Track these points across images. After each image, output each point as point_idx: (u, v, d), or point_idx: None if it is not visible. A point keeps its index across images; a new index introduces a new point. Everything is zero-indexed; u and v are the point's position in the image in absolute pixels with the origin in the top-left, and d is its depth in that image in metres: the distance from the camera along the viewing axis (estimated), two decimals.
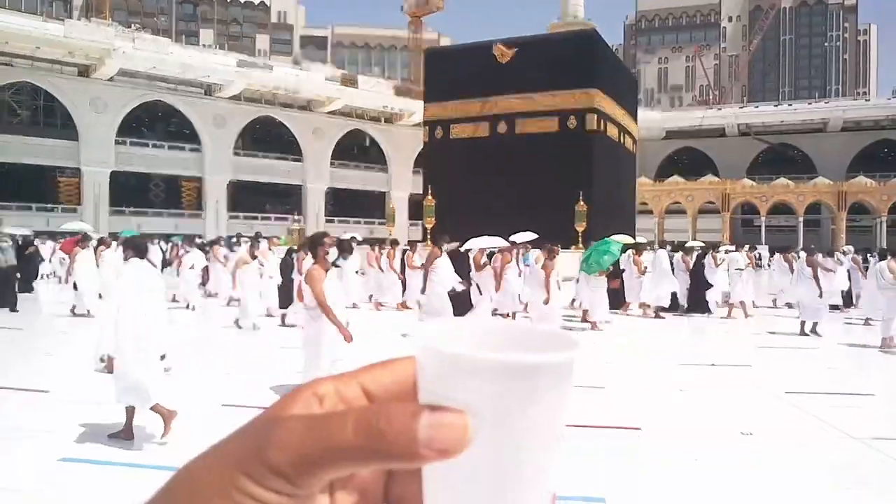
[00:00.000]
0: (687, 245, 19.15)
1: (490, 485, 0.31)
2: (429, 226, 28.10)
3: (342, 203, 55.70)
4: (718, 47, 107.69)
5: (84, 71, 43.37)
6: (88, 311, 13.05)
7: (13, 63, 41.21)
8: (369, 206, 56.40)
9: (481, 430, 0.30)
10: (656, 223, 52.89)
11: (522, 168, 26.51)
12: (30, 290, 18.05)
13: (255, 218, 51.32)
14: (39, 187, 43.27)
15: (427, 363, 0.32)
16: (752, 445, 5.56)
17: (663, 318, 14.49)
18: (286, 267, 13.01)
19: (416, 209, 42.65)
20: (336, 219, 54.24)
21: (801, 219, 51.68)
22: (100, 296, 13.99)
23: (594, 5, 56.08)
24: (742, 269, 15.35)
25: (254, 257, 12.44)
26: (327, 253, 6.17)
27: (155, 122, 48.40)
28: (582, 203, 25.80)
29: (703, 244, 21.16)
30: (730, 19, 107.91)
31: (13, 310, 13.82)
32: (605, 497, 4.34)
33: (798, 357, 10.26)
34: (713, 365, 9.24)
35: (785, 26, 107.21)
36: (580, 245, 23.00)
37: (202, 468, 0.32)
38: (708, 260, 15.70)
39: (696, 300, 15.23)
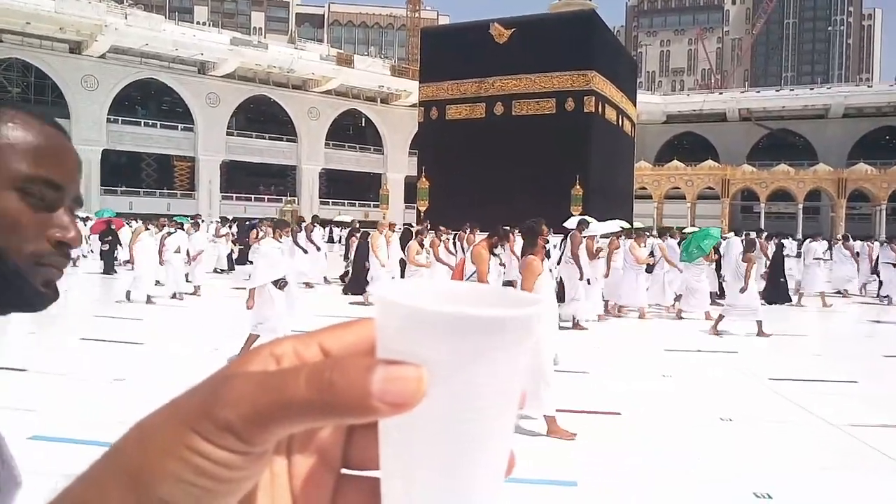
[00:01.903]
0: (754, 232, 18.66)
1: (445, 440, 0.31)
2: (422, 209, 27.73)
3: (336, 184, 55.27)
4: (721, 30, 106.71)
5: (75, 48, 42.78)
6: (149, 297, 12.22)
7: (3, 39, 40.64)
8: (364, 187, 55.95)
9: (437, 385, 0.30)
10: (655, 208, 52.49)
11: (518, 150, 26.07)
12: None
13: (249, 199, 50.93)
14: None
15: (384, 318, 0.31)
16: (730, 432, 5.55)
17: None
18: (363, 250, 13.79)
19: (411, 191, 42.17)
20: (330, 200, 53.85)
21: (800, 206, 51.31)
22: (157, 282, 13.60)
23: None
24: (821, 259, 15.15)
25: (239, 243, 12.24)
26: (546, 242, 5.78)
27: (147, 100, 47.87)
28: (578, 186, 25.41)
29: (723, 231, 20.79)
30: (733, 2, 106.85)
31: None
32: (577, 481, 4.30)
33: (786, 344, 10.14)
34: (699, 351, 9.11)
35: (789, 10, 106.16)
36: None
37: (153, 425, 0.31)
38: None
39: (775, 289, 14.85)
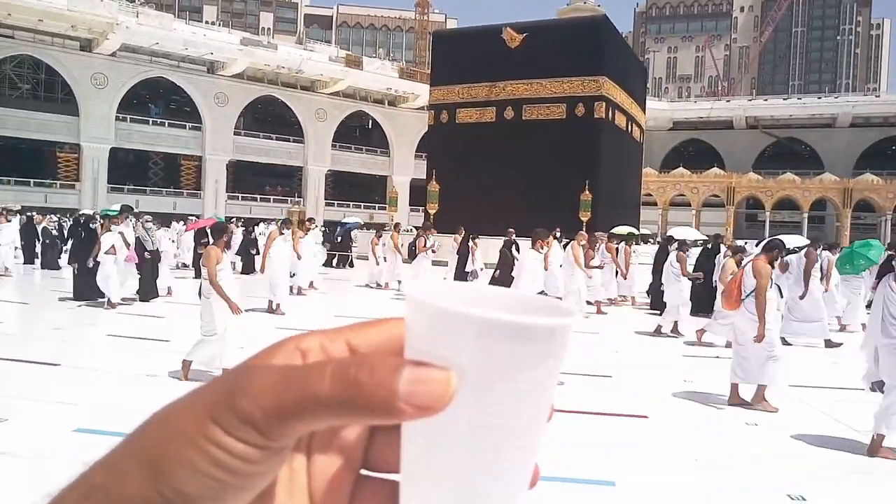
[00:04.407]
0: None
1: (469, 447, 0.30)
2: (432, 211, 27.78)
3: (342, 186, 55.36)
4: (729, 38, 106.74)
5: (86, 45, 42.93)
6: (278, 305, 11.26)
7: (15, 36, 40.77)
8: (369, 189, 56.05)
9: (465, 391, 0.29)
10: (660, 215, 52.55)
11: (528, 155, 26.14)
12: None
13: (255, 199, 51.04)
14: (38, 162, 42.95)
15: (414, 318, 0.31)
16: (757, 436, 5.62)
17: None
18: (507, 258, 13.00)
19: (417, 194, 42.22)
20: (336, 202, 53.94)
21: (805, 215, 51.33)
22: (291, 289, 12.86)
23: None
24: None
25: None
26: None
27: (156, 98, 48.02)
28: (587, 192, 25.43)
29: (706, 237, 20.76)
30: (742, 9, 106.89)
31: (144, 299, 11.75)
32: (616, 481, 4.37)
33: (801, 353, 10.13)
34: (717, 357, 9.11)
35: (797, 18, 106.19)
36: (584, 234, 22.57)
37: (175, 414, 0.30)
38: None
39: None
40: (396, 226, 17.83)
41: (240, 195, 50.25)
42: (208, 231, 16.97)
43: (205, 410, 0.29)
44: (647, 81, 45.35)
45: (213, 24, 60.83)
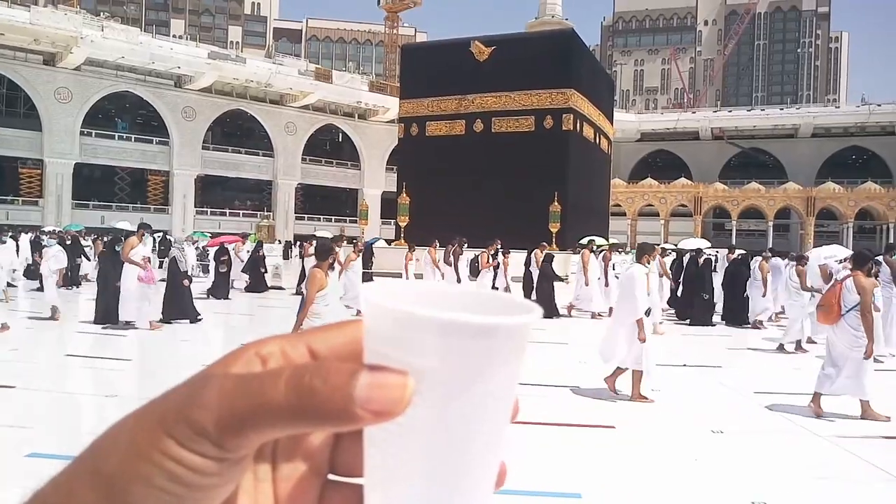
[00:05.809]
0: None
1: (430, 451, 0.29)
2: (402, 224, 27.71)
3: (313, 200, 55.02)
4: (694, 51, 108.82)
5: (50, 59, 42.22)
6: None
7: None
8: (340, 203, 55.80)
9: (425, 393, 0.28)
10: (629, 225, 53.12)
11: (498, 167, 26.29)
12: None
13: (224, 214, 50.46)
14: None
15: (372, 321, 0.30)
16: (723, 443, 5.65)
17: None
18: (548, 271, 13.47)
19: (388, 207, 42.13)
20: (306, 216, 53.59)
21: (770, 223, 52.31)
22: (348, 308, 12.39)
23: (572, 5, 56.15)
24: None
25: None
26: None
27: (122, 113, 47.31)
28: (556, 203, 25.59)
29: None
30: (706, 23, 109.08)
31: (194, 321, 11.53)
32: (581, 493, 4.34)
33: (765, 359, 10.28)
34: (684, 365, 9.18)
35: (759, 32, 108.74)
36: (554, 245, 22.70)
37: (128, 427, 0.29)
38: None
39: None
40: (434, 241, 17.64)
41: (208, 210, 49.67)
42: (228, 248, 16.68)
43: (159, 423, 0.28)
44: (614, 93, 45.95)
45: (180, 37, 60.21)
